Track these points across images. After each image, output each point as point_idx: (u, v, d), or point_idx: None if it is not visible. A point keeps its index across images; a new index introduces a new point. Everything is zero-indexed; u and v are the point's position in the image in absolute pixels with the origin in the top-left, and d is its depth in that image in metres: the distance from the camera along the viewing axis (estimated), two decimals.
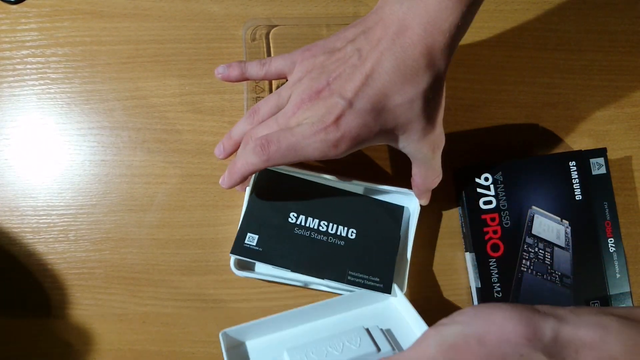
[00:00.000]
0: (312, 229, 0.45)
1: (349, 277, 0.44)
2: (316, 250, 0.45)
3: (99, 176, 0.48)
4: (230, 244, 0.46)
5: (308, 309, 0.43)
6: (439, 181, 0.43)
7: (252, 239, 0.44)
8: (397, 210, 0.47)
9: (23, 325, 0.47)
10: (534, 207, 0.47)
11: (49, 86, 0.49)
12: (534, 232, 0.47)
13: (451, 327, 0.33)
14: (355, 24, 0.38)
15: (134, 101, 0.49)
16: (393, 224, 0.47)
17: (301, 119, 0.37)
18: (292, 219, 0.45)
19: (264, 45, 0.50)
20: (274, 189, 0.46)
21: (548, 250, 0.46)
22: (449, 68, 0.50)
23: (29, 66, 0.49)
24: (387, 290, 0.44)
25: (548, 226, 0.47)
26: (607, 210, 0.47)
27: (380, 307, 0.46)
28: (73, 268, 0.47)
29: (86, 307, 0.47)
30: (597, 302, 0.46)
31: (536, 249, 0.46)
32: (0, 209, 0.48)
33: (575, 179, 0.47)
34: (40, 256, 0.47)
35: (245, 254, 0.43)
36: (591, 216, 0.47)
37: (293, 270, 0.44)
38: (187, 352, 0.47)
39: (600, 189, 0.47)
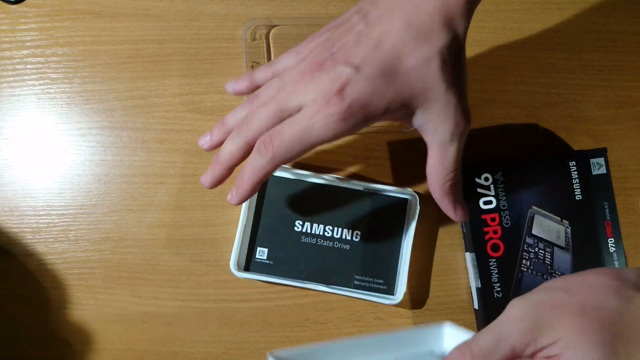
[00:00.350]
0: (318, 236, 0.45)
1: (355, 282, 0.45)
2: (323, 257, 0.45)
3: (99, 176, 0.48)
4: (229, 244, 0.46)
5: (370, 341, 0.38)
6: (452, 181, 0.36)
7: (262, 253, 0.44)
8: (400, 204, 0.47)
9: (23, 325, 0.47)
10: (534, 207, 0.47)
11: (49, 86, 0.49)
12: (534, 232, 0.47)
13: (535, 292, 0.32)
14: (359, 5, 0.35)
15: (134, 101, 0.49)
16: (396, 219, 0.47)
17: (303, 97, 0.33)
18: (297, 228, 0.45)
19: (264, 45, 0.50)
20: (276, 196, 0.46)
21: (548, 250, 0.46)
22: None
23: (28, 66, 0.49)
24: (391, 291, 0.44)
25: (548, 226, 0.47)
26: (607, 210, 0.47)
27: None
28: (73, 268, 0.47)
29: (86, 307, 0.47)
30: None
31: (536, 249, 0.46)
32: (0, 209, 0.48)
33: (575, 179, 0.47)
34: (40, 256, 0.47)
35: (258, 270, 0.44)
36: (591, 216, 0.47)
37: (303, 281, 0.44)
38: (187, 352, 0.47)
39: (600, 189, 0.47)
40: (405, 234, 0.47)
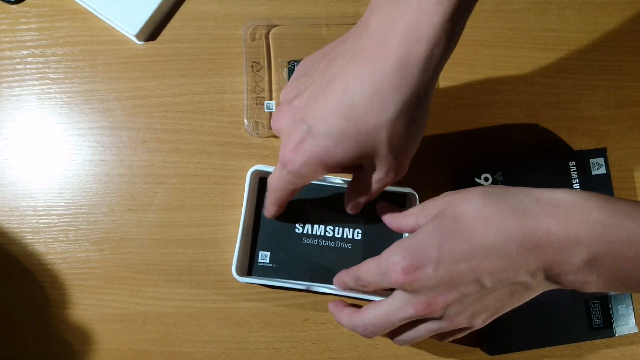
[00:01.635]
0: (320, 236, 0.45)
1: None
2: (326, 258, 0.45)
3: (99, 176, 0.48)
4: (229, 244, 0.46)
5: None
6: (363, 200, 0.39)
7: (264, 257, 0.44)
8: (399, 200, 0.46)
9: (23, 325, 0.47)
10: None
11: (49, 86, 0.49)
12: None
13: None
14: (346, 34, 0.34)
15: (134, 101, 0.49)
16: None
17: (279, 124, 0.35)
18: (298, 229, 0.45)
19: (264, 45, 0.50)
20: None
21: None
22: (449, 68, 0.50)
23: (28, 66, 0.49)
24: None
25: None
26: None
27: None
28: (73, 268, 0.47)
29: (86, 307, 0.47)
30: (596, 302, 0.46)
31: None
32: (0, 209, 0.48)
33: (575, 179, 0.47)
34: (40, 256, 0.47)
35: (261, 274, 0.44)
36: None
37: (308, 281, 0.44)
38: (187, 352, 0.47)
39: (600, 189, 0.47)
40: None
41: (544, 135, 0.51)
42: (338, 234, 0.45)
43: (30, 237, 0.47)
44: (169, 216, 0.48)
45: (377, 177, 0.35)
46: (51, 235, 0.48)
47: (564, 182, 0.47)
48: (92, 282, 0.47)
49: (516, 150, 0.50)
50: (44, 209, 0.48)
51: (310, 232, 0.45)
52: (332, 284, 0.43)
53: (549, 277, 0.32)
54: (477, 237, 0.32)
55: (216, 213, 0.48)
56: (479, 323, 0.35)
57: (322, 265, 0.45)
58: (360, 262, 0.43)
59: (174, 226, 0.48)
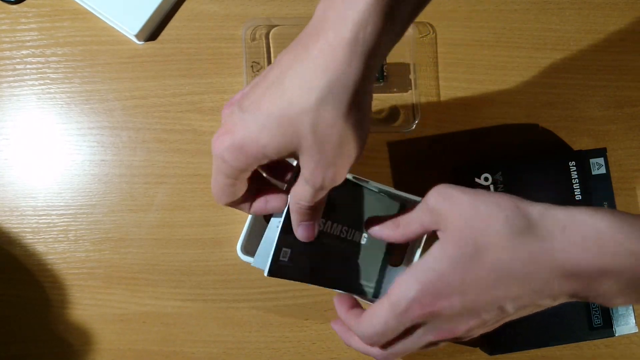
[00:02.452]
0: (334, 236, 0.40)
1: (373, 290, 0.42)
2: (339, 259, 0.40)
3: (99, 176, 0.48)
4: (229, 244, 0.46)
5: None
6: (302, 206, 0.34)
7: (285, 254, 0.39)
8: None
9: (23, 325, 0.47)
10: None
11: (49, 86, 0.49)
12: None
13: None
14: None
15: (134, 101, 0.49)
16: None
17: (222, 115, 0.33)
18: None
19: (264, 45, 0.50)
20: None
21: None
22: (449, 68, 0.50)
23: (29, 66, 0.49)
24: None
25: None
26: None
27: None
28: (73, 268, 0.47)
29: (86, 307, 0.47)
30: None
31: None
32: (0, 209, 0.48)
33: (575, 179, 0.47)
34: (40, 256, 0.47)
35: (281, 273, 0.38)
36: None
37: (329, 287, 0.40)
38: (187, 352, 0.47)
39: (600, 189, 0.47)
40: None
41: (544, 135, 0.51)
42: (350, 236, 0.41)
43: (30, 237, 0.47)
44: (169, 216, 0.48)
45: (305, 177, 0.31)
46: (51, 236, 0.48)
47: (564, 182, 0.47)
48: (92, 282, 0.47)
49: (516, 150, 0.50)
50: (44, 209, 0.48)
51: (329, 231, 0.40)
52: (355, 293, 0.41)
53: (573, 297, 0.31)
54: (502, 268, 0.31)
55: (216, 213, 0.48)
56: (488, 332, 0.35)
57: (341, 269, 0.41)
58: (379, 269, 0.41)
59: (174, 226, 0.48)
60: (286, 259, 0.39)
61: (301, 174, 0.32)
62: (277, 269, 0.38)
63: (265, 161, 0.31)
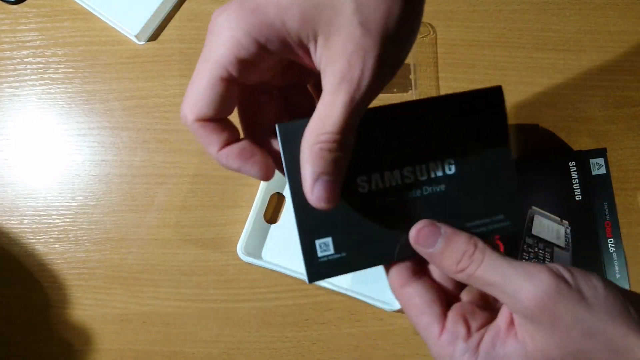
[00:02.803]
0: (397, 188, 0.29)
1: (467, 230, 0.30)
2: (414, 216, 0.29)
3: (99, 176, 0.48)
4: (229, 244, 0.46)
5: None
6: (324, 145, 0.22)
7: (325, 247, 0.29)
8: (492, 96, 0.30)
9: (23, 325, 0.47)
10: (534, 207, 0.47)
11: (49, 86, 0.49)
12: (533, 232, 0.47)
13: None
14: None
15: (134, 101, 0.49)
16: (494, 119, 0.30)
17: None
18: (363, 188, 0.29)
19: None
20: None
21: (548, 250, 0.46)
22: (449, 68, 0.50)
23: (29, 66, 0.49)
24: (519, 226, 0.31)
25: (548, 226, 0.47)
26: (607, 210, 0.47)
27: None
28: (73, 268, 0.47)
29: (86, 307, 0.47)
30: None
31: (536, 249, 0.46)
32: (0, 209, 0.48)
33: (575, 179, 0.47)
34: (40, 256, 0.47)
35: (329, 271, 0.29)
36: (591, 216, 0.47)
37: (399, 259, 0.29)
38: (187, 352, 0.47)
39: (600, 189, 0.47)
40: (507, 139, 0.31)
41: (544, 135, 0.51)
42: (422, 176, 0.30)
43: (31, 237, 0.48)
44: (169, 216, 0.48)
45: (336, 77, 0.22)
46: (51, 236, 0.48)
47: (564, 182, 0.47)
48: (92, 282, 0.47)
49: (516, 150, 0.50)
50: (45, 209, 0.48)
51: (381, 186, 0.29)
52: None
53: None
54: None
55: (216, 213, 0.48)
56: None
57: (408, 229, 0.29)
58: (461, 208, 0.30)
59: (174, 226, 0.48)
60: (330, 252, 0.29)
61: (326, 81, 0.22)
62: (321, 270, 0.29)
63: (276, 44, 0.22)
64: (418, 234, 0.28)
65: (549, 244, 0.46)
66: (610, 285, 0.25)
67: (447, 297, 0.29)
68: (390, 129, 0.29)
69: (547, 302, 0.24)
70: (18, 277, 0.47)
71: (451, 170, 0.30)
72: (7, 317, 0.47)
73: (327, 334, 0.47)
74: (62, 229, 0.48)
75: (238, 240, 0.46)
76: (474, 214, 0.30)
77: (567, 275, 0.25)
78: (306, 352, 0.47)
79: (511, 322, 0.26)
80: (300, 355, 0.47)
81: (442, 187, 0.30)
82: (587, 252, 0.47)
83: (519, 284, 0.25)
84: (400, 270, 0.29)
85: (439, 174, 0.30)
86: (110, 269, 0.47)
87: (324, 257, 0.29)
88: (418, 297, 0.28)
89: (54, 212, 0.48)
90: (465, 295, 0.29)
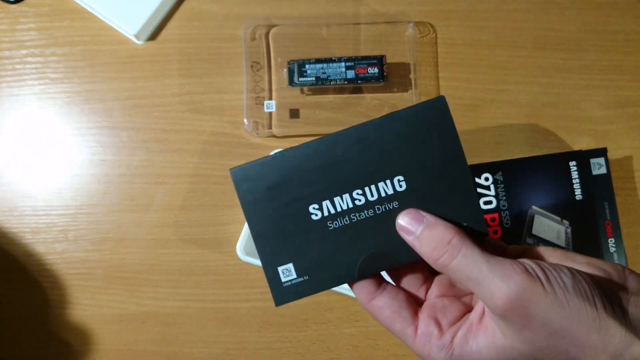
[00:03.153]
0: (348, 211, 0.31)
1: None
2: (370, 234, 0.31)
3: (99, 176, 0.48)
4: (229, 244, 0.46)
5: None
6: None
7: (288, 272, 0.31)
8: (436, 106, 0.31)
9: (23, 325, 0.47)
10: (534, 207, 0.47)
11: (49, 86, 0.49)
12: (534, 232, 0.47)
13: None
14: None
15: (134, 101, 0.49)
16: (441, 129, 0.31)
17: None
18: (316, 215, 0.31)
19: (264, 44, 0.50)
20: (264, 188, 0.31)
21: None
22: (449, 68, 0.50)
23: (28, 66, 0.49)
24: (482, 227, 0.32)
25: (548, 226, 0.47)
26: (607, 210, 0.47)
27: None
28: (72, 268, 0.47)
29: (86, 307, 0.47)
30: None
31: None
32: None
33: (575, 179, 0.47)
34: (39, 256, 0.47)
35: (294, 294, 0.31)
36: (591, 216, 0.47)
37: (360, 277, 0.31)
38: (187, 352, 0.47)
39: (600, 189, 0.47)
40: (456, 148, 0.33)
41: (544, 135, 0.51)
42: (372, 196, 0.31)
43: (30, 237, 0.47)
44: (169, 216, 0.48)
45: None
46: (51, 236, 0.47)
47: (565, 182, 0.47)
48: (91, 282, 0.47)
49: (516, 150, 0.50)
50: (44, 209, 0.48)
51: (333, 211, 0.31)
52: (393, 265, 0.31)
53: None
54: None
55: (216, 213, 0.48)
56: None
57: (370, 246, 0.31)
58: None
59: (173, 226, 0.48)
60: (293, 276, 0.31)
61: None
62: (287, 293, 0.31)
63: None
64: (403, 218, 0.30)
65: (549, 244, 0.46)
66: (580, 282, 0.26)
67: (415, 298, 0.31)
68: (334, 156, 0.31)
69: (520, 303, 0.25)
70: (17, 277, 0.47)
71: (402, 186, 0.31)
72: (7, 317, 0.47)
73: (327, 334, 0.47)
74: (61, 228, 0.48)
75: (237, 240, 0.46)
76: None
77: (541, 275, 0.26)
78: (306, 352, 0.47)
79: (483, 316, 0.29)
80: (300, 355, 0.47)
81: (395, 203, 0.31)
82: (587, 252, 0.46)
83: (494, 282, 0.26)
84: (363, 286, 0.31)
85: (389, 192, 0.31)
86: (109, 269, 0.47)
87: (287, 281, 0.31)
88: (387, 308, 0.30)
89: (53, 212, 0.48)
90: (435, 288, 0.32)
